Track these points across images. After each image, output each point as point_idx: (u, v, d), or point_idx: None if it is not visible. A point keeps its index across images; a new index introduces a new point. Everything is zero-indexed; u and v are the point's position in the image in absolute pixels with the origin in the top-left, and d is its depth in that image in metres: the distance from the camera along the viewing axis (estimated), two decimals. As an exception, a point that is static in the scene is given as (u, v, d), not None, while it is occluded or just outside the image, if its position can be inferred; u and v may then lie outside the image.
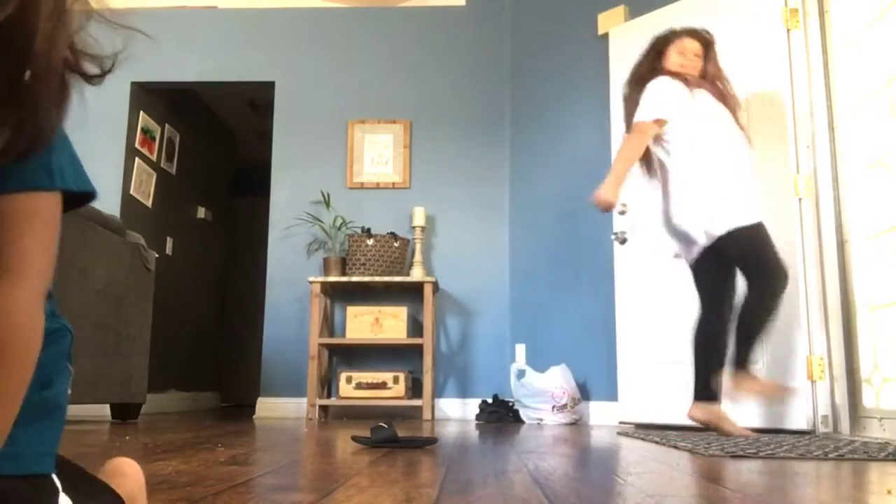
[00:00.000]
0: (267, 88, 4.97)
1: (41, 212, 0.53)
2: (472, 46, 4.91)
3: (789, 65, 3.25)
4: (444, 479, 1.34)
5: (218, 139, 6.24)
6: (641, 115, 2.84)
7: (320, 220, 4.60)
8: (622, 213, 3.67)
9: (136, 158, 4.86)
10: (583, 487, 1.28)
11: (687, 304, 3.08)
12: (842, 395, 2.98)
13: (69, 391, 0.62)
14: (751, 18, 3.38)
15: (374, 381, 4.19)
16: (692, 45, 2.96)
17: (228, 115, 6.15)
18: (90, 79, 0.54)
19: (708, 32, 3.02)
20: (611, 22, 4.06)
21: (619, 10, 4.05)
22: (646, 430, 3.09)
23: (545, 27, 4.61)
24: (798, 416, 2.99)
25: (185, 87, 5.21)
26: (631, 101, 2.94)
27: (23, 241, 0.51)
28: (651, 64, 2.97)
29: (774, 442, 2.31)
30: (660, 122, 2.85)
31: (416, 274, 4.39)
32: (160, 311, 4.19)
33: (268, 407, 4.46)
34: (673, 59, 2.95)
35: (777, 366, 3.10)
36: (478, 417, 4.14)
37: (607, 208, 2.86)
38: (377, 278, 4.29)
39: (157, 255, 3.94)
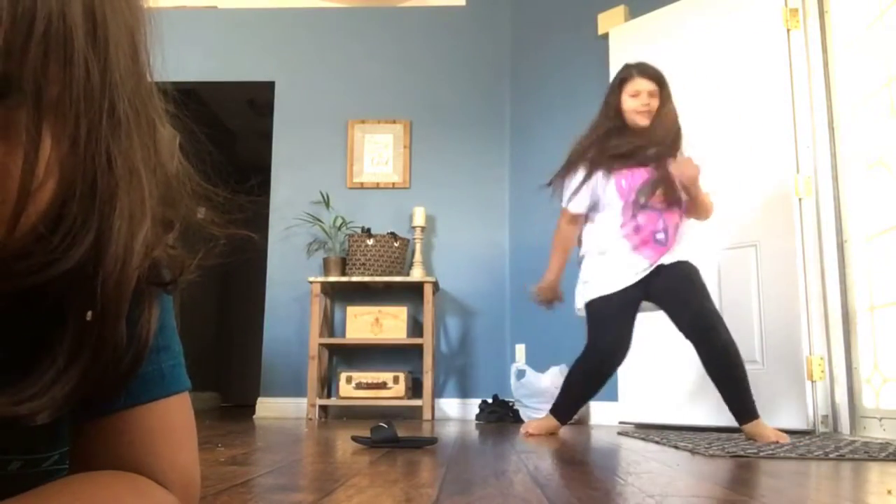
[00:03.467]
0: (267, 88, 4.97)
1: (169, 417, 0.52)
2: (472, 46, 4.91)
3: (789, 65, 3.25)
4: (444, 479, 1.34)
5: (218, 139, 6.23)
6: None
7: (320, 220, 4.60)
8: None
9: (136, 158, 4.86)
10: (583, 487, 1.28)
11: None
12: (842, 395, 2.98)
13: None
14: (751, 18, 3.38)
15: (374, 381, 4.19)
16: (646, 86, 2.71)
17: (228, 115, 6.15)
18: (165, 286, 0.50)
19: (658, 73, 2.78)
20: (611, 22, 4.06)
21: (619, 10, 4.04)
22: (646, 430, 3.09)
23: (545, 27, 4.61)
24: (798, 416, 2.99)
25: (184, 87, 5.20)
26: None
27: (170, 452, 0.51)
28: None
29: (775, 442, 2.32)
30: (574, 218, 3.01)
31: (416, 274, 4.39)
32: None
33: (268, 407, 4.46)
34: (627, 102, 2.75)
35: (777, 366, 3.10)
36: (478, 417, 4.14)
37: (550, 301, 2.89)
38: (377, 278, 4.29)
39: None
